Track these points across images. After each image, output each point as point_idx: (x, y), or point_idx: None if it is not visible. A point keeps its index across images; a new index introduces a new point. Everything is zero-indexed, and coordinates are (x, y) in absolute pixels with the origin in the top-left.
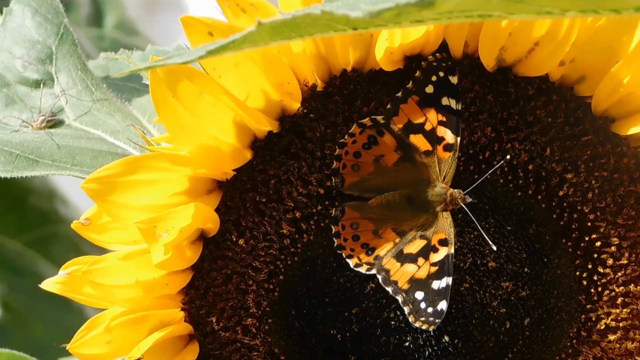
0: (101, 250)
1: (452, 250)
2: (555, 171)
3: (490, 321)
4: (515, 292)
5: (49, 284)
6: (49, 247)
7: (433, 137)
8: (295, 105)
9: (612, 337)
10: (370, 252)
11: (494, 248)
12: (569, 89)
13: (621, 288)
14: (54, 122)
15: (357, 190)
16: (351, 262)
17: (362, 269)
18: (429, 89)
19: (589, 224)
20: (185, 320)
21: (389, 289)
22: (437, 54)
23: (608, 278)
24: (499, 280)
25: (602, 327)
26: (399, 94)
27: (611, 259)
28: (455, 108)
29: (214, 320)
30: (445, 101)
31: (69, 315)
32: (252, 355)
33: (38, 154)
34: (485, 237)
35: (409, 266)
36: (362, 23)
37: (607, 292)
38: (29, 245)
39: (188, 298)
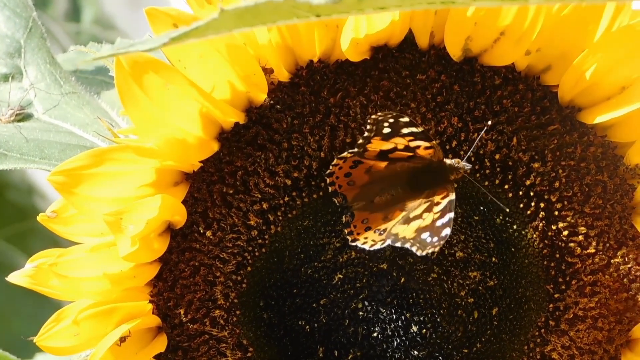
0: None
1: (454, 197)
2: (522, 160)
3: (458, 311)
4: (483, 281)
5: (16, 277)
6: (27, 242)
7: (410, 149)
8: (261, 96)
9: (580, 327)
10: (382, 233)
11: (507, 210)
12: (536, 78)
13: (589, 277)
14: (22, 116)
15: (363, 200)
16: (366, 246)
17: (377, 246)
18: (386, 131)
19: (556, 213)
20: (153, 313)
21: (397, 244)
22: (380, 113)
23: (576, 267)
24: (466, 270)
25: (570, 317)
26: (361, 141)
27: (579, 248)
28: (417, 131)
29: (182, 312)
30: (405, 130)
31: (47, 310)
32: (221, 346)
33: (6, 147)
34: (495, 200)
35: (415, 222)
36: (324, 10)
37: (575, 281)
38: (8, 240)
39: (156, 290)
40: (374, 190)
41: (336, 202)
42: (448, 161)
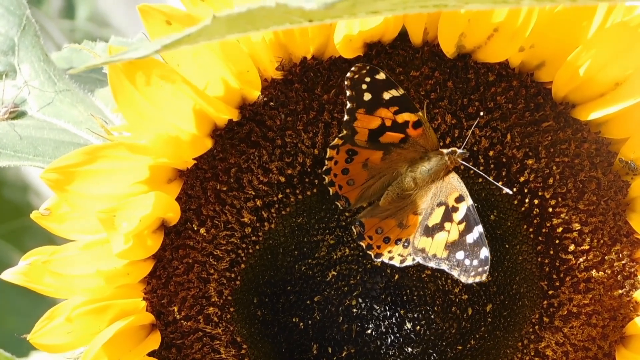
0: None
1: (470, 202)
2: (516, 157)
3: (453, 308)
4: None
5: (10, 275)
6: (22, 239)
7: (398, 126)
8: (255, 93)
9: (574, 323)
10: (406, 244)
11: (510, 192)
12: (529, 75)
13: (583, 274)
14: (16, 114)
15: (366, 200)
16: (396, 263)
17: (409, 262)
18: (367, 97)
19: (550, 209)
20: (147, 310)
21: (432, 264)
22: (354, 67)
23: (570, 264)
24: None
25: (564, 313)
26: (347, 117)
27: (573, 245)
28: (398, 94)
29: (175, 310)
30: (386, 95)
31: (43, 308)
32: (214, 344)
33: (0, 145)
34: (496, 184)
35: (440, 235)
36: (317, 15)
37: (569, 278)
38: (3, 238)
39: (150, 287)
40: (376, 189)
41: (339, 205)
42: (445, 150)
